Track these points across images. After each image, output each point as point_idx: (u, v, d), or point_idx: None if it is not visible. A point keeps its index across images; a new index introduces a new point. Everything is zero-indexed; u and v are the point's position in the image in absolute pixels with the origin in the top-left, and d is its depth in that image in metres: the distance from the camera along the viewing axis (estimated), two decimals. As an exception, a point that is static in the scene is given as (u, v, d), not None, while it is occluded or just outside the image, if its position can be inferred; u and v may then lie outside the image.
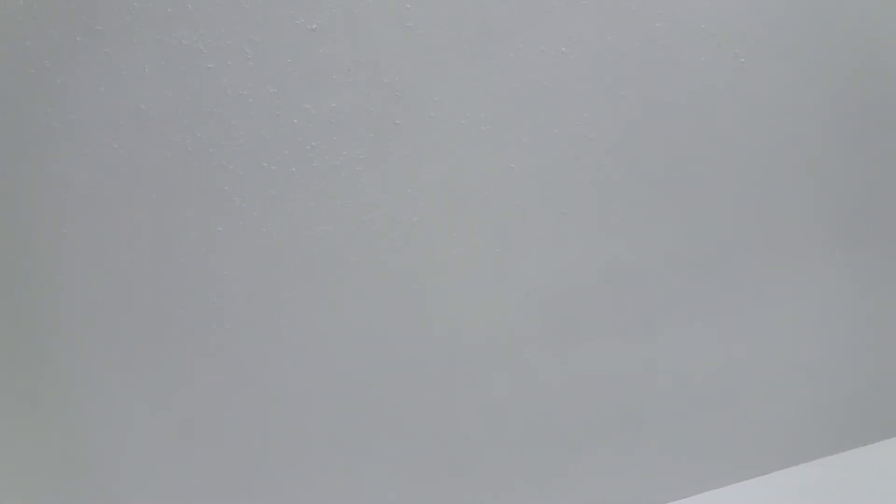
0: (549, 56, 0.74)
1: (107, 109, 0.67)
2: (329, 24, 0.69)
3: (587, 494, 0.85)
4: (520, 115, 0.75)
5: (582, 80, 0.75)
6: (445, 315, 0.78)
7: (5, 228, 0.68)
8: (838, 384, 0.88)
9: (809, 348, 0.87)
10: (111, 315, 0.71)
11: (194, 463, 0.75)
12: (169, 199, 0.70)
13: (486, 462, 0.82)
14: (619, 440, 0.84)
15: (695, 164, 0.80)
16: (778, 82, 0.80)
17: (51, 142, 0.67)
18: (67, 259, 0.69)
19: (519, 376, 0.80)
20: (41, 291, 0.69)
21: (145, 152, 0.68)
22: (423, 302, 0.77)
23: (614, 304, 0.81)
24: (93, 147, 0.67)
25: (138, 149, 0.68)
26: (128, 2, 0.66)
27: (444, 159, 0.74)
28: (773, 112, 0.81)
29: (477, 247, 0.77)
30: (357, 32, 0.70)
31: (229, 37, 0.68)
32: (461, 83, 0.73)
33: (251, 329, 0.74)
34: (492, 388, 0.80)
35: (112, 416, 0.72)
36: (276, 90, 0.70)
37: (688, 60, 0.77)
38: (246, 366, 0.74)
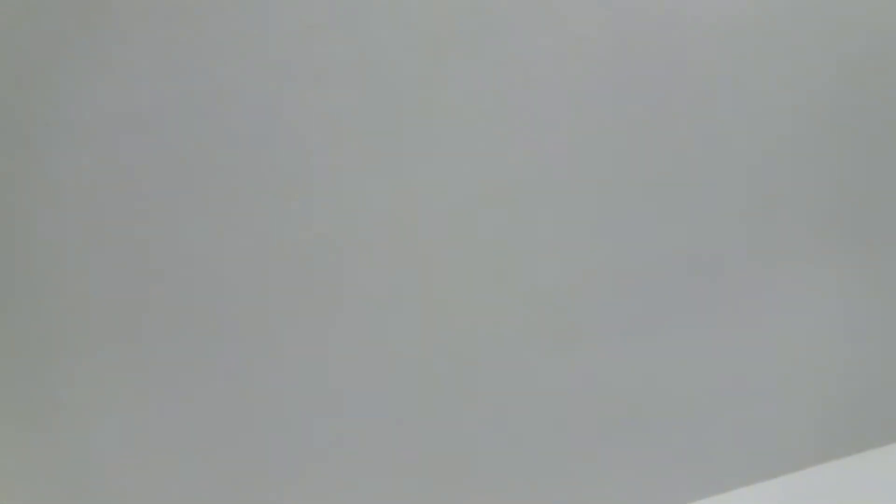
0: (550, 55, 0.74)
1: (105, 109, 0.67)
2: (329, 22, 0.70)
3: (588, 496, 0.85)
4: (521, 114, 0.75)
5: (583, 79, 0.75)
6: (445, 315, 0.78)
7: (3, 228, 0.68)
8: (846, 387, 0.88)
9: (815, 350, 0.87)
10: (111, 315, 0.71)
11: (196, 466, 0.75)
12: (167, 199, 0.70)
13: (486, 464, 0.82)
14: (619, 443, 0.84)
15: (698, 164, 0.80)
16: (779, 81, 0.80)
17: (49, 142, 0.67)
18: (66, 259, 0.69)
19: (520, 377, 0.80)
20: (40, 292, 0.69)
21: (144, 152, 0.69)
22: (422, 302, 0.77)
23: (616, 305, 0.81)
24: (91, 147, 0.67)
25: (137, 148, 0.68)
26: (127, 1, 0.66)
27: (444, 159, 0.74)
28: (776, 111, 0.81)
29: (477, 247, 0.77)
30: (357, 30, 0.70)
31: (228, 35, 0.68)
32: (462, 82, 0.73)
33: (250, 330, 0.74)
34: (492, 390, 0.80)
35: (113, 418, 0.73)
36: (275, 89, 0.70)
37: (691, 58, 0.77)
38: (245, 367, 0.74)
